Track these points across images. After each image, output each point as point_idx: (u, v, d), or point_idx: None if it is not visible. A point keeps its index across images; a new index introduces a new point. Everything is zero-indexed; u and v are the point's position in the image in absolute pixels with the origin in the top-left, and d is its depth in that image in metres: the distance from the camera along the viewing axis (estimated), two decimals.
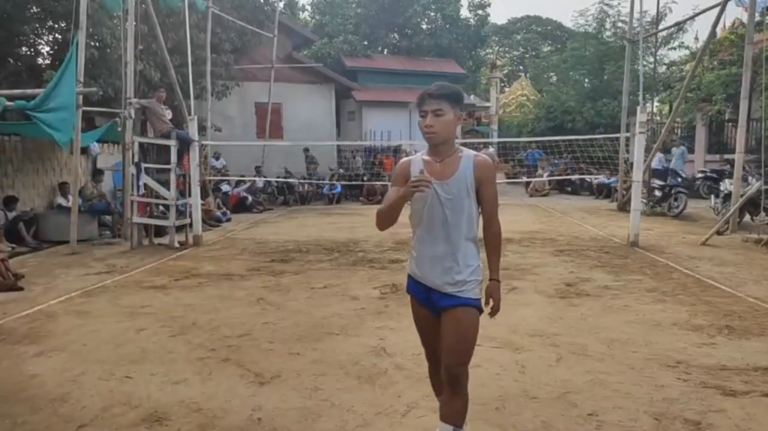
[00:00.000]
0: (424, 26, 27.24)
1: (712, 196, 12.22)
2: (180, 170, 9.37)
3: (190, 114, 9.82)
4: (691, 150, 16.50)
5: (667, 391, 3.47)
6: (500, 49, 37.15)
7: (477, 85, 33.16)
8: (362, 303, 5.58)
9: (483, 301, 2.52)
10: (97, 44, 10.39)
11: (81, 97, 8.50)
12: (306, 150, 17.84)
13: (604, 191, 16.56)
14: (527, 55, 37.08)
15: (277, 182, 16.69)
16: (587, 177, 17.29)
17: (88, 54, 9.22)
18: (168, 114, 9.59)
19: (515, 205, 15.15)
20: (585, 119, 21.07)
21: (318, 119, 20.28)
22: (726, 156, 14.93)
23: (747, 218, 10.01)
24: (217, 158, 16.40)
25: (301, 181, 16.94)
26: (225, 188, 14.64)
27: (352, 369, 3.88)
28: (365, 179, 17.30)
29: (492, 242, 2.54)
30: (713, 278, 6.43)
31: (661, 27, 16.87)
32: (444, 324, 2.49)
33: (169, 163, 9.22)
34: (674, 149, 14.72)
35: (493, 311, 2.55)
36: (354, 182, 17.30)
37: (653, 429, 3.02)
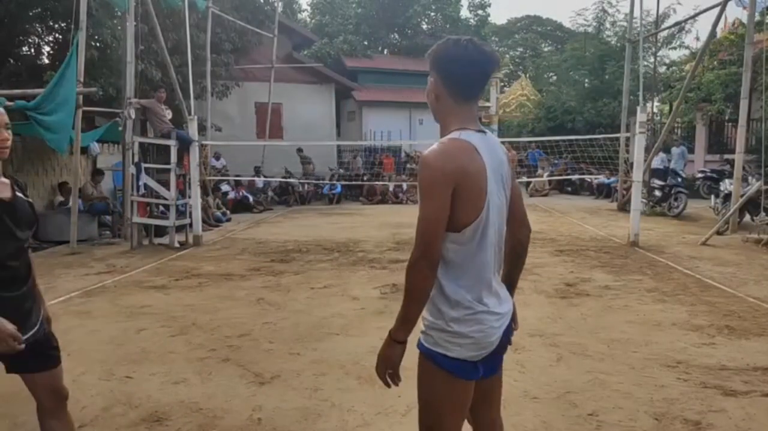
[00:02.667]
0: (425, 26, 27.27)
1: (712, 196, 12.21)
2: (180, 170, 9.37)
3: (190, 114, 9.82)
4: (691, 150, 16.49)
5: (667, 391, 3.47)
6: (500, 49, 37.14)
7: None
8: (362, 303, 5.58)
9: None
10: (98, 44, 10.39)
11: (81, 97, 8.50)
12: (299, 150, 17.84)
13: (604, 191, 16.57)
14: (527, 55, 37.09)
15: (278, 181, 16.69)
16: (587, 177, 17.30)
17: (89, 54, 9.22)
18: (168, 114, 9.59)
19: None
20: (585, 118, 21.07)
21: (318, 119, 20.28)
22: (726, 156, 14.92)
23: (747, 218, 10.02)
24: (218, 158, 16.41)
25: (302, 181, 16.95)
26: (225, 188, 14.65)
27: (352, 369, 3.88)
28: (365, 179, 17.31)
29: None
30: (713, 278, 6.43)
31: (661, 27, 16.89)
32: None
33: (169, 163, 9.23)
34: (674, 149, 14.71)
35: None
36: (354, 182, 17.31)
37: (653, 429, 3.02)
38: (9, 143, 2.15)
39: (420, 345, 1.86)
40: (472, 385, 1.87)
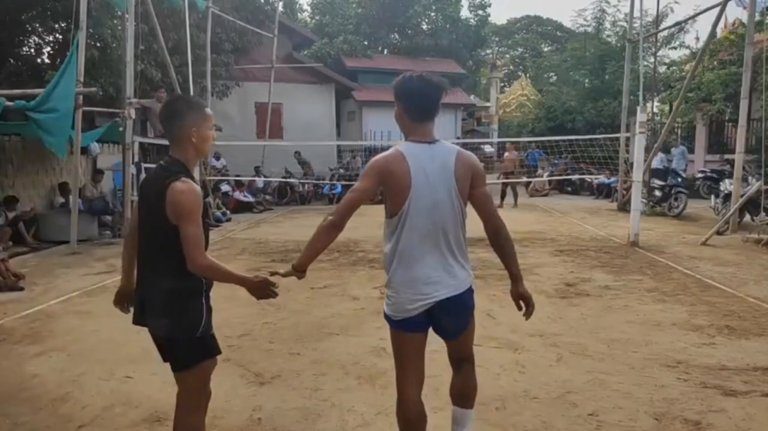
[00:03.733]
0: (425, 26, 27.26)
1: (712, 196, 12.20)
2: None
3: None
4: (691, 150, 16.48)
5: (667, 391, 3.47)
6: (500, 50, 37.18)
7: (477, 85, 33.19)
8: (362, 303, 5.58)
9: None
10: (98, 44, 10.39)
11: (81, 97, 8.50)
12: (297, 153, 17.85)
13: (604, 191, 16.56)
14: (527, 55, 37.10)
15: (278, 181, 16.68)
16: (587, 177, 17.29)
17: (89, 54, 9.22)
18: None
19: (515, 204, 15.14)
20: (585, 118, 21.07)
21: (318, 119, 20.28)
22: (726, 156, 14.90)
23: (747, 218, 10.02)
24: (218, 158, 16.41)
25: (302, 181, 16.95)
26: (225, 188, 14.64)
27: (352, 369, 3.88)
28: None
29: None
30: (713, 278, 6.43)
31: (661, 27, 16.88)
32: None
33: None
34: (674, 149, 14.71)
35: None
36: (354, 182, 17.27)
37: (653, 429, 3.03)
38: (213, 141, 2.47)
39: None
40: (408, 335, 2.34)
